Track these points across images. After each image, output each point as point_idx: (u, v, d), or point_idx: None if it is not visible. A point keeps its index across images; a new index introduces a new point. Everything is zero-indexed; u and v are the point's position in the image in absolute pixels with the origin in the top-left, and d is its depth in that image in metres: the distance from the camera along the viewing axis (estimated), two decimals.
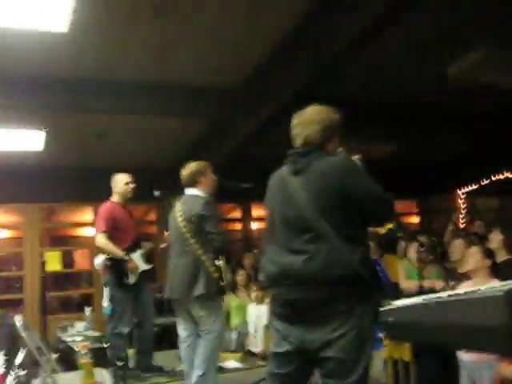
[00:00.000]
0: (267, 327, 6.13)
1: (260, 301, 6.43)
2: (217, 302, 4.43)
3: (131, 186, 5.56)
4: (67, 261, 10.85)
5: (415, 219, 12.90)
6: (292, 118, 2.87)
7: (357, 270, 2.48)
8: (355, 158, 2.84)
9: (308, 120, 2.79)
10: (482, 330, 1.27)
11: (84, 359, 3.46)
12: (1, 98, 5.63)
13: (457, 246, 4.59)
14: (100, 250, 5.45)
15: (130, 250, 5.39)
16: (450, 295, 1.41)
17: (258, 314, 6.40)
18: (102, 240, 5.29)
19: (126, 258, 5.27)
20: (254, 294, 6.50)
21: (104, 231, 5.28)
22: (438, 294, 1.49)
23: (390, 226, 3.26)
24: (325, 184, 2.59)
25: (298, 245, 2.59)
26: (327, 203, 2.56)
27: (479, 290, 1.41)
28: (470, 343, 1.33)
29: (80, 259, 11.04)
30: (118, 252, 5.28)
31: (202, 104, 6.50)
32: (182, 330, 4.59)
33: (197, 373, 4.32)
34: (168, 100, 6.30)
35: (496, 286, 1.50)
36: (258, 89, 6.09)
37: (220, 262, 4.31)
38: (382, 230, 3.33)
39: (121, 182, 5.54)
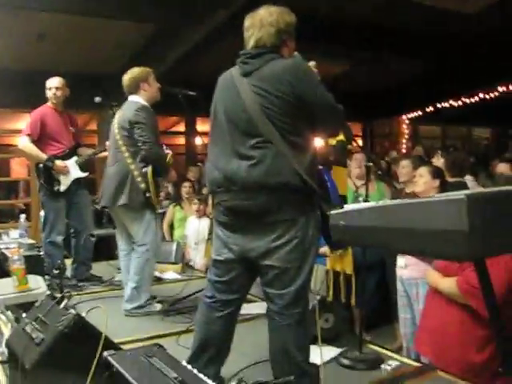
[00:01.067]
0: (208, 240, 6.13)
1: (201, 214, 6.38)
2: (145, 214, 4.30)
3: (56, 93, 5.18)
4: (4, 169, 10.52)
5: (359, 142, 13.03)
6: (244, 20, 2.69)
7: (303, 177, 2.43)
8: (310, 63, 2.72)
9: (261, 22, 2.61)
10: (439, 235, 1.23)
11: (16, 265, 3.32)
12: None
13: (405, 167, 4.60)
14: (24, 154, 5.21)
15: (65, 157, 5.17)
16: (406, 200, 1.36)
17: (198, 227, 6.36)
18: (24, 143, 5.09)
19: (49, 163, 5.05)
20: (194, 207, 6.43)
21: (28, 134, 5.05)
22: (395, 200, 1.43)
23: (341, 137, 3.18)
24: (275, 87, 2.46)
25: (244, 149, 2.50)
26: (277, 107, 2.45)
27: (441, 194, 1.37)
28: (425, 248, 1.30)
29: (17, 168, 10.70)
30: (41, 156, 5.07)
31: (149, 8, 6.16)
32: (120, 240, 4.56)
33: (130, 284, 4.31)
34: (113, 2, 5.94)
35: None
36: None
37: (148, 172, 4.18)
38: (333, 142, 3.25)
39: (46, 87, 5.23)
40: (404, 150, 11.54)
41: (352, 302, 3.63)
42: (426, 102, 11.11)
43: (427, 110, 11.26)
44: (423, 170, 3.86)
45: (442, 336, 2.90)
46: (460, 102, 10.93)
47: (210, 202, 6.23)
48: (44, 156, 5.06)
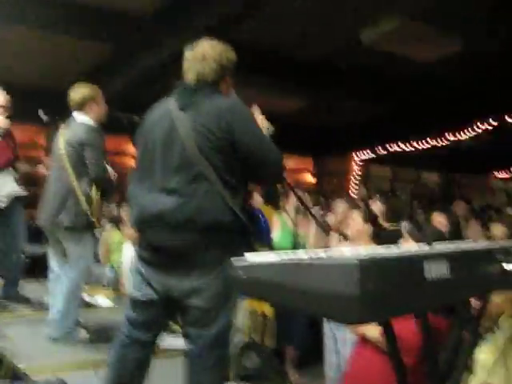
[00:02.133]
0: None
1: (136, 241, 6.26)
2: (84, 236, 4.23)
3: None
4: None
5: (310, 178, 13.15)
6: (185, 50, 2.65)
7: (236, 213, 2.39)
8: (254, 108, 2.70)
9: (203, 55, 2.57)
10: (331, 298, 1.22)
11: None
12: None
13: (339, 207, 4.62)
14: None
15: (1, 171, 5.02)
16: (310, 257, 1.34)
17: (133, 254, 6.25)
18: None
19: None
20: (129, 233, 6.30)
21: None
22: (298, 254, 1.41)
23: None
24: (213, 124, 2.41)
25: (175, 184, 2.43)
26: (212, 144, 2.40)
27: (341, 254, 1.36)
28: (318, 309, 1.28)
29: None
30: None
31: (105, 28, 6.12)
32: (52, 260, 4.45)
33: (56, 307, 4.19)
34: (69, 18, 5.88)
35: (361, 251, 1.45)
36: (164, 22, 5.79)
37: (93, 193, 4.11)
38: None
39: None
40: (353, 189, 11.70)
41: (270, 344, 3.60)
42: (378, 142, 11.32)
43: (378, 151, 11.47)
44: (355, 214, 3.86)
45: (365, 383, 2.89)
46: (410, 147, 11.16)
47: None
48: None
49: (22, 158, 5.44)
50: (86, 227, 4.15)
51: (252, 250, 2.46)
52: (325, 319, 3.86)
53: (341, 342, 3.77)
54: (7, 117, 5.16)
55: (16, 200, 5.14)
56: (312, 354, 4.52)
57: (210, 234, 2.39)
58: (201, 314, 2.47)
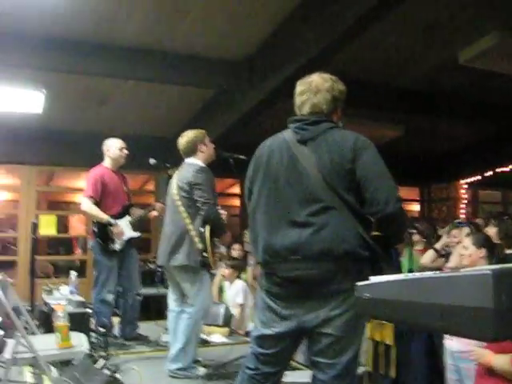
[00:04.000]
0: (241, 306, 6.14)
1: (230, 279, 6.35)
2: (200, 274, 4.33)
3: (125, 151, 5.46)
4: (63, 226, 10.82)
5: (416, 207, 12.80)
6: (296, 85, 2.71)
7: (369, 242, 2.39)
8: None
9: (318, 87, 2.62)
10: (463, 312, 1.17)
11: (60, 322, 3.37)
12: (2, 55, 5.49)
13: (456, 236, 4.44)
14: (86, 215, 5.36)
15: (119, 216, 5.31)
16: (434, 273, 1.31)
17: (232, 292, 6.36)
18: (87, 204, 5.21)
19: (112, 221, 5.19)
20: (227, 272, 6.39)
21: (91, 196, 5.20)
22: (422, 273, 1.38)
23: None
24: (338, 155, 2.44)
25: (304, 217, 2.45)
26: (338, 175, 2.42)
27: (467, 269, 1.32)
28: (450, 326, 1.23)
29: (76, 225, 10.99)
30: (103, 216, 5.20)
31: (205, 75, 6.37)
32: (171, 300, 4.55)
33: (177, 345, 4.28)
34: (170, 68, 6.16)
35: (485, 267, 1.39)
36: (263, 63, 5.95)
37: (206, 233, 4.21)
38: None
39: (115, 148, 5.43)
40: (463, 216, 11.25)
41: (391, 374, 3.49)
42: (485, 166, 10.86)
43: (486, 174, 11.00)
44: (466, 242, 3.70)
45: None
46: None
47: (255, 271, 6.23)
48: (105, 217, 5.19)
49: (134, 203, 5.70)
50: (201, 265, 4.25)
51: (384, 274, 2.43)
52: (447, 351, 3.72)
53: (465, 373, 3.60)
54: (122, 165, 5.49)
55: (130, 243, 5.38)
56: None
57: (344, 264, 2.40)
58: (333, 343, 2.46)
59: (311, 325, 2.48)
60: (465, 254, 3.68)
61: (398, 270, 2.55)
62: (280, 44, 5.58)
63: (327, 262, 2.40)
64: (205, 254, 4.19)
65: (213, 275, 5.04)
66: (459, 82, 7.07)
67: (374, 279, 1.38)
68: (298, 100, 2.68)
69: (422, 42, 6.04)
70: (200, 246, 4.20)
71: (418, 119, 8.60)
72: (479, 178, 11.15)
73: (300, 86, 2.69)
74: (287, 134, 2.64)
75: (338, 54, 5.31)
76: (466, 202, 11.62)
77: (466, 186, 11.58)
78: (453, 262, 4.23)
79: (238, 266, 6.46)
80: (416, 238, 4.55)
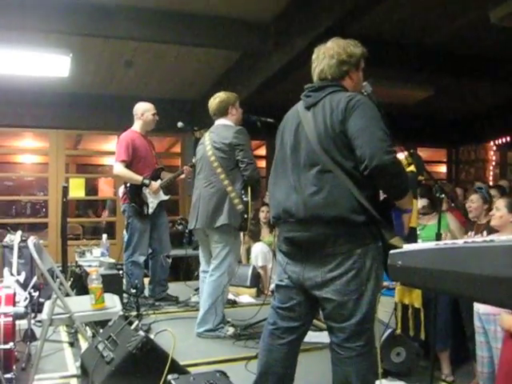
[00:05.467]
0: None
1: (251, 244, 6.46)
2: (234, 237, 4.39)
3: (156, 117, 5.50)
4: (92, 188, 11.00)
5: (443, 169, 12.66)
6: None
7: (364, 205, 2.41)
8: (364, 84, 2.73)
9: (324, 54, 2.67)
10: (494, 281, 1.19)
11: (94, 284, 3.47)
12: (27, 20, 5.50)
13: (474, 202, 4.41)
14: (119, 179, 5.42)
15: (152, 179, 5.37)
16: (465, 242, 1.32)
17: (252, 255, 6.44)
18: (120, 168, 5.27)
19: (146, 181, 5.26)
20: (245, 239, 6.47)
21: (123, 160, 5.25)
22: (453, 241, 1.39)
23: (412, 168, 3.12)
24: (332, 119, 2.49)
25: (304, 180, 2.54)
26: (333, 138, 2.47)
27: (496, 239, 1.32)
28: (484, 295, 1.25)
29: (104, 187, 11.16)
30: (137, 177, 5.26)
31: (232, 36, 6.30)
32: (203, 262, 4.63)
33: (203, 308, 4.38)
34: (195, 30, 6.11)
35: None
36: (289, 24, 5.87)
37: (247, 195, 4.25)
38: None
39: (148, 112, 5.47)
40: (491, 178, 11.12)
41: (421, 337, 3.53)
42: None
43: None
44: (500, 203, 3.70)
45: None
46: None
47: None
48: (140, 178, 5.26)
49: (163, 166, 5.75)
50: (239, 228, 4.32)
51: (383, 242, 2.46)
52: (475, 313, 3.76)
53: (492, 335, 3.63)
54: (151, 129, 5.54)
55: (161, 206, 5.45)
56: (462, 350, 4.40)
57: (336, 228, 2.45)
58: (337, 307, 2.52)
59: (309, 284, 2.56)
60: (496, 214, 3.69)
61: (405, 239, 2.54)
62: (307, 5, 5.49)
63: (318, 226, 2.47)
64: (245, 215, 4.24)
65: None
66: (490, 42, 6.90)
67: (406, 247, 1.40)
68: (312, 67, 2.74)
69: (452, 2, 5.90)
70: (240, 207, 4.24)
71: (447, 80, 8.44)
72: (508, 139, 10.96)
73: (314, 54, 2.74)
74: (299, 103, 2.74)
75: (368, 16, 5.21)
76: (494, 163, 11.46)
77: (494, 148, 11.40)
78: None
79: (254, 233, 6.50)
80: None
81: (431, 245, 1.36)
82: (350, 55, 2.65)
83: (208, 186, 4.36)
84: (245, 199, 4.25)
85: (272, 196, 2.77)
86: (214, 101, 4.47)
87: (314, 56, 2.73)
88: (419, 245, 1.39)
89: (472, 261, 1.25)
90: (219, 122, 4.48)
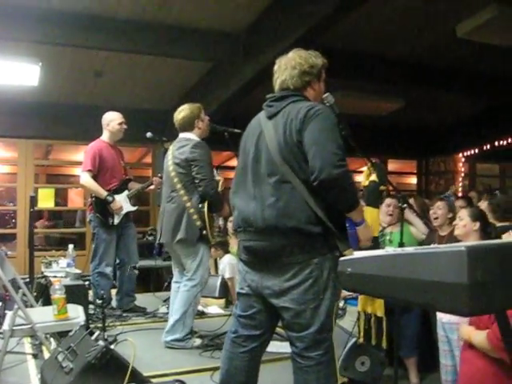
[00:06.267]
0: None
1: (220, 255, 6.46)
2: (199, 249, 4.37)
3: (124, 126, 5.47)
4: (62, 199, 10.88)
5: (413, 180, 12.83)
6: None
7: (318, 216, 2.43)
8: (325, 95, 2.76)
9: (286, 64, 2.71)
10: (440, 287, 1.21)
11: (57, 294, 3.43)
12: None
13: (441, 209, 4.46)
14: (85, 189, 5.39)
15: (117, 190, 5.35)
16: (415, 249, 1.34)
17: (221, 267, 6.43)
18: (86, 179, 5.24)
19: (110, 198, 5.23)
20: (212, 251, 6.43)
21: (89, 170, 5.22)
22: (403, 248, 1.42)
23: (374, 177, 3.16)
24: (290, 128, 2.51)
25: (263, 189, 2.56)
26: (291, 148, 2.50)
27: (442, 245, 1.35)
28: (427, 300, 1.27)
29: (74, 197, 11.05)
30: (102, 192, 5.23)
31: (203, 47, 6.33)
32: (175, 273, 4.62)
33: (174, 317, 4.36)
34: (166, 41, 6.13)
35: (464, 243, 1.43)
36: (259, 35, 5.92)
37: (204, 209, 4.25)
38: (365, 182, 3.24)
39: (114, 121, 5.44)
40: (460, 189, 11.28)
41: (383, 345, 3.56)
42: (484, 139, 10.84)
43: (484, 147, 10.98)
44: (462, 213, 3.75)
45: None
46: None
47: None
48: (104, 192, 5.22)
49: (132, 177, 5.73)
50: (200, 240, 4.30)
51: (338, 252, 2.48)
52: (438, 322, 3.79)
53: (455, 344, 3.67)
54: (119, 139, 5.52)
55: (128, 217, 5.43)
56: (430, 357, 4.42)
57: (293, 239, 2.48)
58: (294, 316, 2.54)
59: (267, 293, 2.59)
60: (459, 224, 3.74)
61: (354, 244, 2.59)
62: (276, 17, 5.54)
63: (276, 236, 2.49)
64: (204, 231, 4.25)
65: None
66: (458, 55, 7.03)
67: (356, 254, 1.42)
68: (274, 78, 2.77)
69: (420, 15, 6.00)
70: (198, 223, 4.24)
71: (417, 92, 8.58)
72: (477, 151, 11.15)
73: (276, 64, 2.77)
74: (262, 112, 2.76)
75: (335, 27, 5.27)
76: (463, 175, 11.64)
77: (463, 160, 11.59)
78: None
79: (223, 244, 6.49)
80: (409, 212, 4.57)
81: (381, 252, 1.38)
82: (311, 66, 2.69)
83: (170, 201, 4.38)
84: (202, 211, 4.25)
85: (233, 205, 2.79)
86: (179, 115, 4.44)
87: (275, 67, 2.75)
88: (368, 252, 1.41)
89: (420, 267, 1.27)
90: (182, 135, 4.47)
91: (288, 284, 2.50)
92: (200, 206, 4.26)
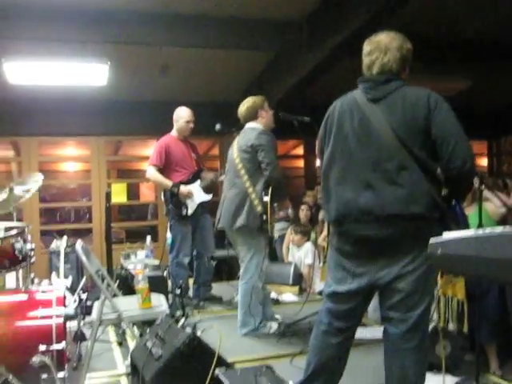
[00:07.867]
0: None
1: (299, 244, 6.48)
2: (256, 238, 4.41)
3: (191, 125, 5.56)
4: (133, 193, 11.19)
5: (484, 162, 12.44)
6: (364, 45, 2.70)
7: (437, 201, 2.44)
8: None
9: (387, 46, 2.62)
10: None
11: (140, 285, 3.57)
12: (65, 31, 5.66)
13: None
14: (153, 182, 5.53)
15: (189, 182, 5.44)
16: (503, 228, 1.33)
17: (298, 255, 6.48)
18: (151, 172, 5.41)
19: (174, 189, 5.32)
20: (295, 238, 6.49)
21: (154, 164, 5.38)
22: (492, 228, 1.41)
23: None
24: (411, 113, 2.47)
25: (377, 177, 2.50)
26: (412, 133, 2.46)
27: None
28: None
29: (146, 192, 11.33)
30: (167, 183, 5.35)
31: (264, 37, 6.35)
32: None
33: (241, 311, 4.48)
34: (229, 33, 6.19)
35: None
36: (321, 23, 5.88)
37: (267, 197, 4.27)
38: None
39: (182, 119, 5.55)
40: None
41: (464, 329, 3.51)
42: None
43: None
44: None
45: None
46: None
47: (323, 230, 6.29)
48: (169, 183, 5.35)
49: (204, 168, 5.83)
50: (259, 229, 4.33)
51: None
52: None
53: None
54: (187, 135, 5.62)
55: (203, 207, 5.53)
56: (507, 345, 4.32)
57: (415, 224, 2.46)
58: (406, 298, 2.54)
59: (384, 281, 2.56)
60: None
61: (467, 227, 2.59)
62: (338, 3, 5.49)
63: (398, 223, 2.46)
64: (264, 216, 4.26)
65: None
66: None
67: (445, 235, 1.42)
68: (366, 60, 2.68)
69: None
70: (259, 208, 4.28)
71: (485, 70, 8.30)
72: None
73: (368, 46, 2.68)
74: (357, 95, 2.66)
75: (402, 9, 5.17)
76: None
77: None
78: None
79: (306, 232, 6.54)
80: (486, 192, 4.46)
81: (469, 233, 1.38)
82: (408, 50, 2.66)
83: (232, 187, 4.46)
84: (264, 199, 4.27)
85: (332, 194, 2.68)
86: (243, 107, 4.54)
87: (369, 47, 2.66)
88: (458, 233, 1.41)
89: (507, 247, 1.26)
90: (248, 125, 4.55)
91: (406, 269, 2.50)
92: (262, 193, 4.29)
